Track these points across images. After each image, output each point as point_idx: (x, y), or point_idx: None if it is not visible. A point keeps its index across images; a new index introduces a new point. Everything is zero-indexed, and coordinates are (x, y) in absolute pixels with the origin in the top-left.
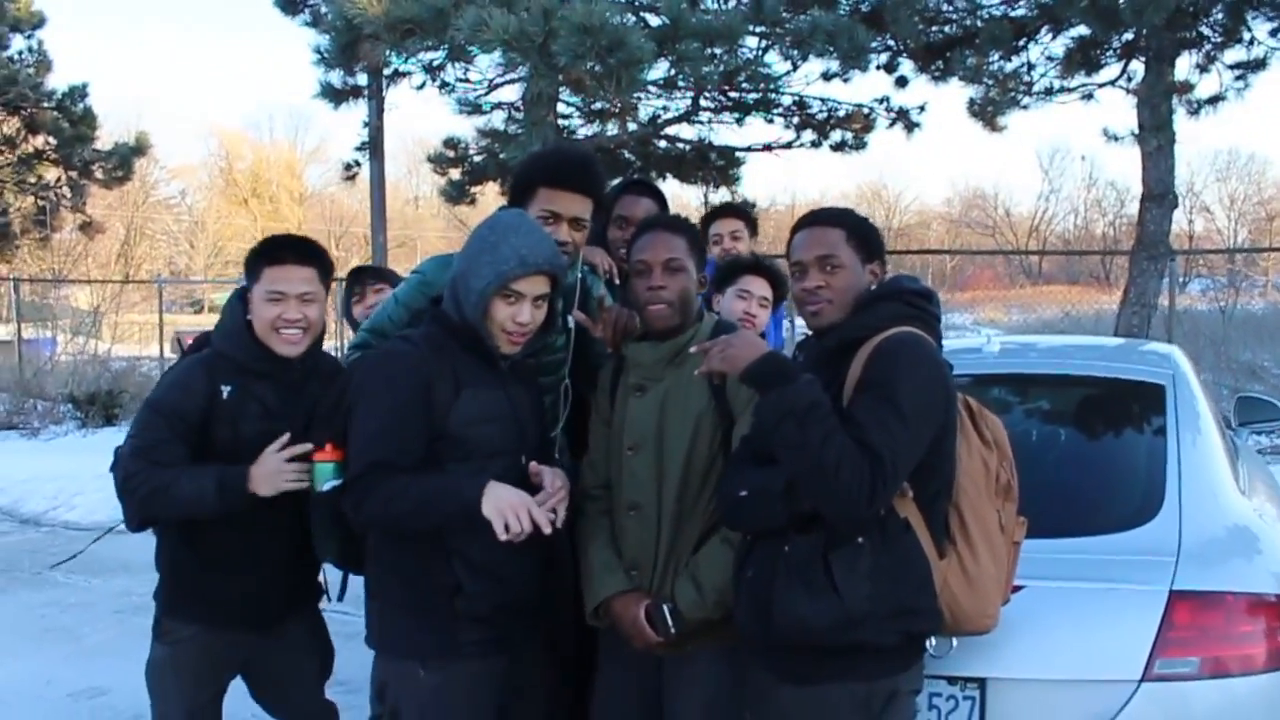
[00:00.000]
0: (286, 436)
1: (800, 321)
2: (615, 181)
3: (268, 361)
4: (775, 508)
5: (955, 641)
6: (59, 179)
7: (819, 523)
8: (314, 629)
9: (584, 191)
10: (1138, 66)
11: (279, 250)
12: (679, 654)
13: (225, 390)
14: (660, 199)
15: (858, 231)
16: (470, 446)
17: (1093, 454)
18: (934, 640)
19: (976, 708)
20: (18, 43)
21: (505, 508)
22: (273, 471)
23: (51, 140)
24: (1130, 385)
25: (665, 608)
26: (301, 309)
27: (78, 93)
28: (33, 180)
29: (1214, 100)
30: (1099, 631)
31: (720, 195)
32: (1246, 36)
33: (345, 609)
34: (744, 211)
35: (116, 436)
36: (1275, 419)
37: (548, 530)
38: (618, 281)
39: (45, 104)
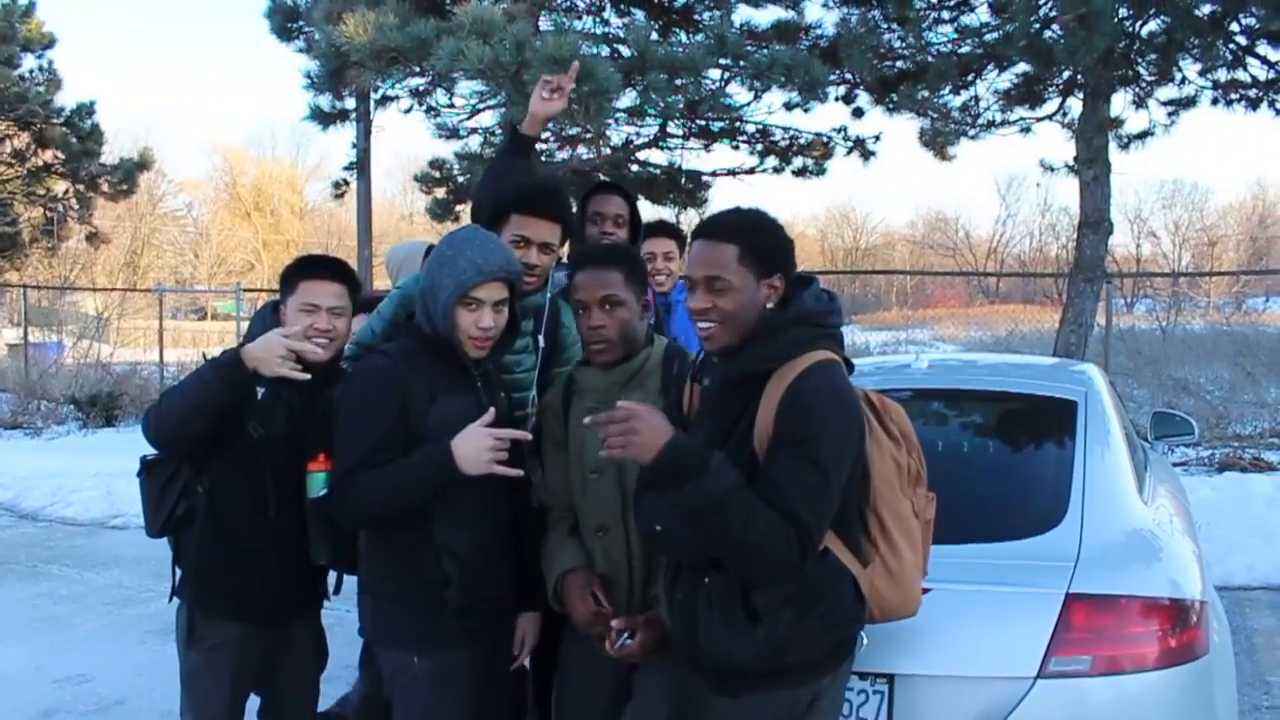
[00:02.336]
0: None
1: None
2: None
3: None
4: (690, 547)
5: (865, 639)
6: (67, 191)
7: None
8: (317, 631)
9: (553, 218)
10: (1075, 102)
11: (314, 267)
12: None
13: (260, 392)
14: (628, 196)
15: (752, 246)
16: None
17: (1005, 465)
18: (864, 638)
19: (885, 701)
20: (29, 62)
21: (478, 449)
22: (272, 355)
23: (60, 155)
24: (1045, 401)
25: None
26: (331, 320)
27: (85, 110)
28: (42, 192)
29: (1142, 135)
30: (999, 631)
31: (690, 216)
32: (1178, 76)
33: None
34: (675, 230)
35: (115, 437)
36: (1187, 433)
37: (530, 437)
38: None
39: (54, 120)
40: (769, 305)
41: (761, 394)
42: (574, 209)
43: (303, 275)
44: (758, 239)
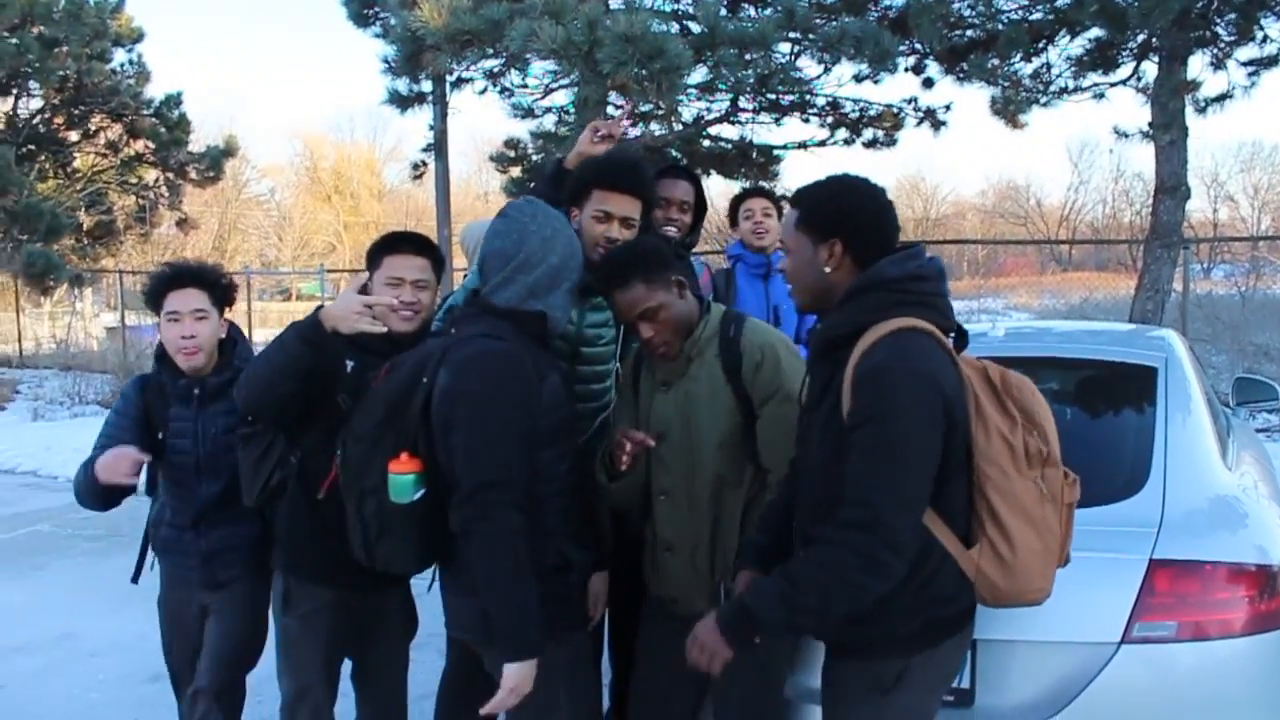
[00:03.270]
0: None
1: None
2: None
3: (384, 341)
4: (826, 621)
5: None
6: (157, 180)
7: None
8: (407, 600)
9: (633, 193)
10: (1150, 66)
11: (399, 242)
12: None
13: (350, 364)
14: (695, 180)
15: (808, 211)
16: (552, 433)
17: (1086, 432)
18: None
19: (969, 666)
20: (119, 56)
21: (347, 308)
22: (349, 311)
23: (150, 144)
24: (1125, 367)
25: (723, 589)
26: (416, 293)
27: (173, 101)
28: (134, 181)
29: (1221, 99)
30: (1082, 597)
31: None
32: (1259, 35)
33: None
34: (772, 193)
35: None
36: (1271, 399)
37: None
38: None
39: (144, 111)
40: (826, 269)
41: (845, 364)
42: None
43: (387, 250)
44: (813, 204)
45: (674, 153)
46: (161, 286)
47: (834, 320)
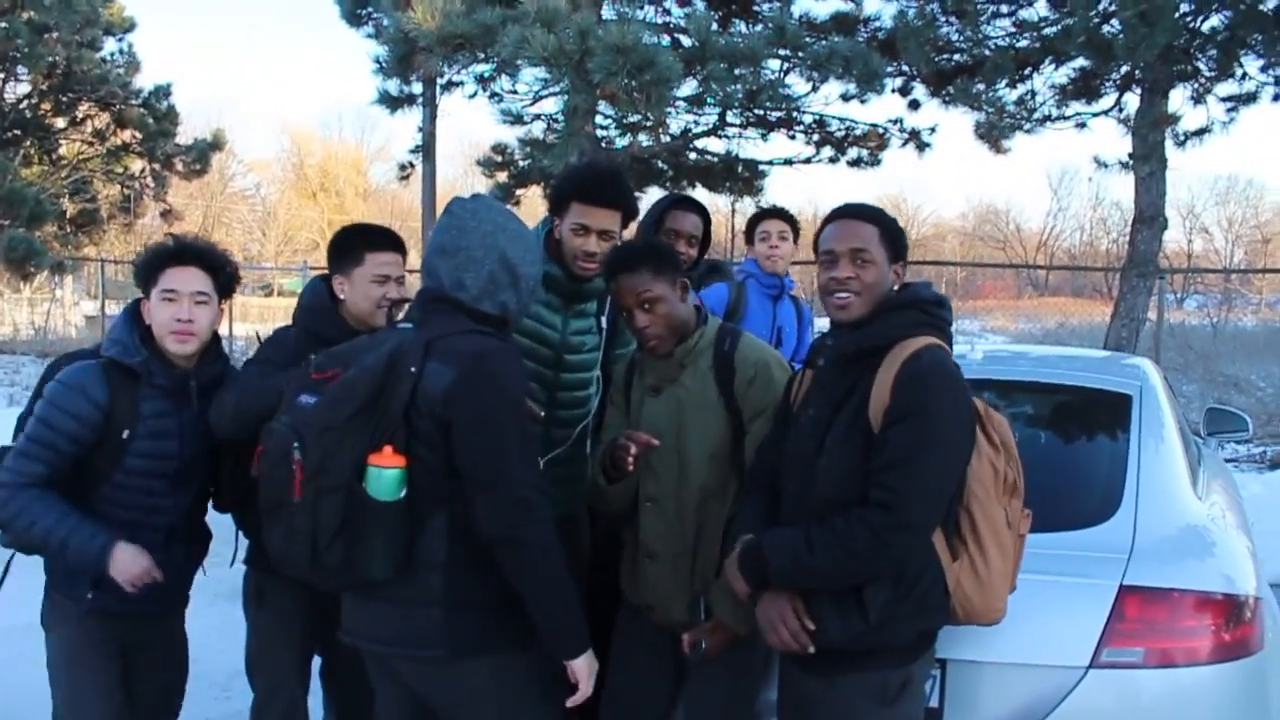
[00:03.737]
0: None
1: (819, 322)
2: (661, 195)
3: (351, 335)
4: (825, 579)
5: None
6: (143, 170)
7: None
8: None
9: (612, 205)
10: (1132, 98)
11: (377, 238)
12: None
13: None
14: (704, 213)
15: (889, 231)
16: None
17: (1059, 456)
18: None
19: (937, 685)
20: (109, 45)
21: (132, 569)
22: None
23: (138, 134)
24: (1100, 394)
25: (702, 601)
26: (399, 289)
27: (162, 92)
28: (119, 170)
29: (1200, 133)
30: (1052, 620)
31: (746, 204)
32: (1239, 72)
33: None
34: (790, 216)
35: None
36: (1242, 430)
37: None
38: None
39: (133, 101)
40: (894, 288)
41: (874, 371)
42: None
43: (369, 247)
44: (893, 227)
45: (660, 164)
46: (159, 261)
47: (870, 331)
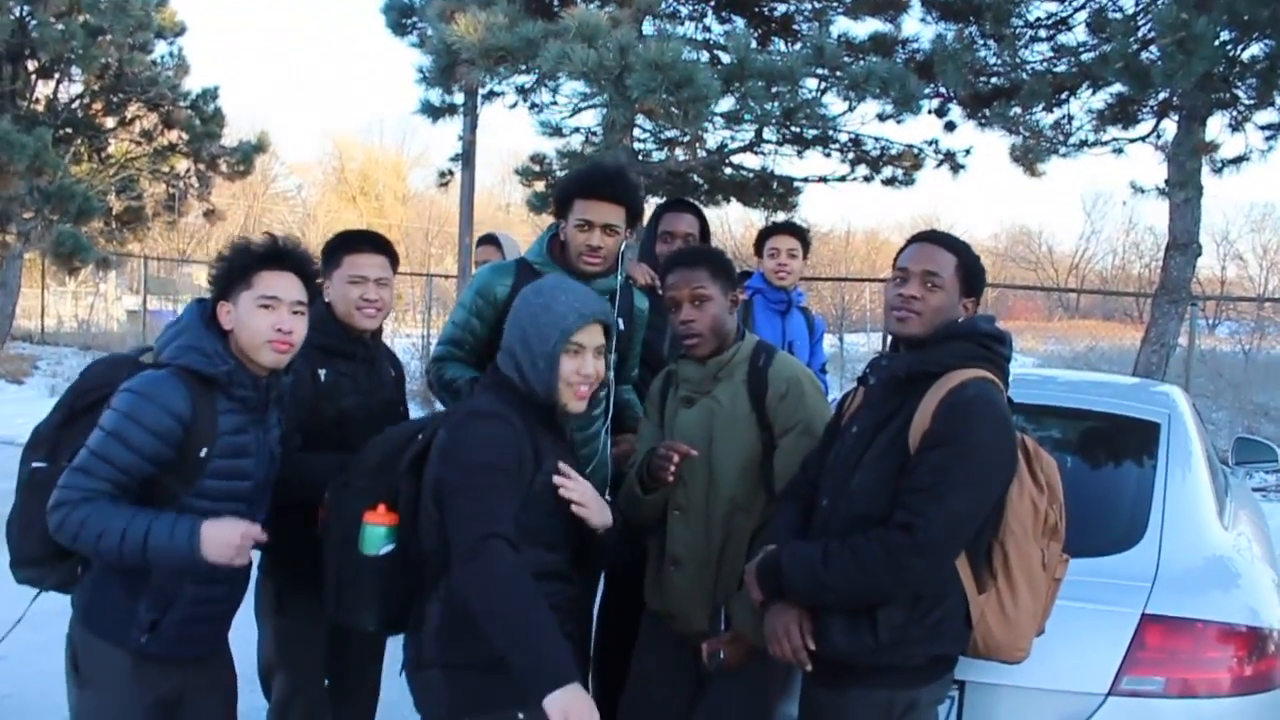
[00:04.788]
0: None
1: (850, 339)
2: (660, 201)
3: (350, 342)
4: (843, 598)
5: None
6: (188, 170)
7: None
8: None
9: (614, 200)
10: (1169, 124)
11: (358, 241)
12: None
13: (322, 374)
14: (699, 214)
15: (967, 264)
16: (543, 520)
17: (1085, 482)
18: None
19: (955, 707)
20: (160, 48)
21: (227, 540)
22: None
23: (184, 135)
24: (1128, 421)
25: (723, 612)
26: (379, 291)
27: (209, 94)
28: (165, 170)
29: (1238, 160)
30: (1072, 646)
31: (780, 219)
32: (1278, 100)
33: None
34: (801, 231)
35: None
36: (1271, 460)
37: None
38: (660, 291)
39: (181, 103)
40: (960, 319)
41: (921, 396)
42: (642, 194)
43: (348, 249)
44: (973, 262)
45: (696, 179)
46: (255, 262)
47: (923, 356)
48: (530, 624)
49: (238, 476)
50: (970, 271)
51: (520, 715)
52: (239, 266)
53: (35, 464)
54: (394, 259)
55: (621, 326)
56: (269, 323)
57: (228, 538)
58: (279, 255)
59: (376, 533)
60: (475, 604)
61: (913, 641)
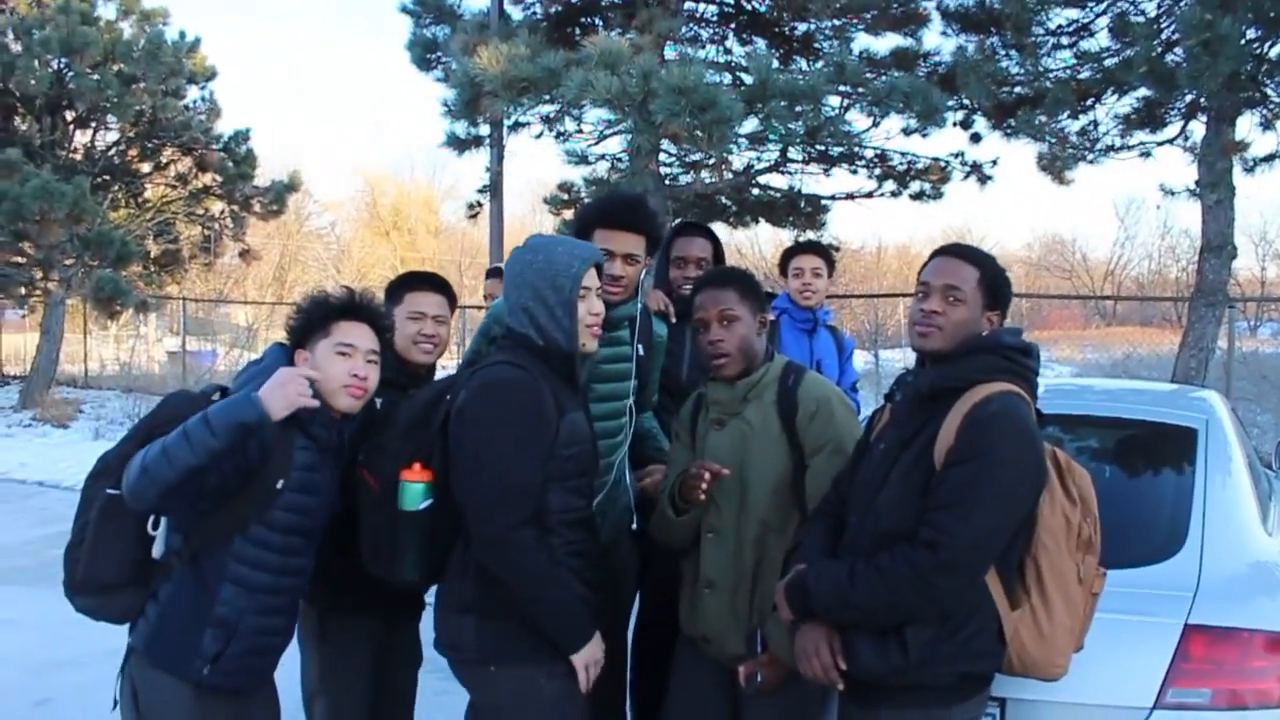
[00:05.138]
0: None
1: (885, 355)
2: (719, 231)
3: (406, 375)
4: (872, 618)
5: None
6: (223, 211)
7: None
8: (417, 633)
9: (634, 229)
10: (1197, 126)
11: (419, 280)
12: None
13: (379, 402)
14: (712, 237)
15: (990, 277)
16: (569, 469)
17: (1124, 492)
18: None
19: None
20: (192, 93)
21: (288, 386)
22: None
23: (218, 178)
24: (1165, 428)
25: (759, 634)
26: (436, 327)
27: (241, 136)
28: (200, 212)
29: (1270, 158)
30: (1115, 659)
31: (809, 238)
32: None
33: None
34: (825, 250)
35: None
36: None
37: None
38: (673, 320)
39: (214, 146)
40: (984, 334)
41: (946, 412)
42: (662, 221)
43: (409, 287)
44: (997, 274)
45: (724, 200)
46: (332, 313)
47: (947, 372)
48: (555, 603)
49: (303, 512)
50: (994, 284)
51: (544, 678)
52: (317, 317)
53: (110, 490)
54: (452, 299)
55: (641, 352)
56: (345, 369)
57: (289, 386)
58: (355, 308)
59: (415, 489)
60: (503, 579)
61: (942, 660)
